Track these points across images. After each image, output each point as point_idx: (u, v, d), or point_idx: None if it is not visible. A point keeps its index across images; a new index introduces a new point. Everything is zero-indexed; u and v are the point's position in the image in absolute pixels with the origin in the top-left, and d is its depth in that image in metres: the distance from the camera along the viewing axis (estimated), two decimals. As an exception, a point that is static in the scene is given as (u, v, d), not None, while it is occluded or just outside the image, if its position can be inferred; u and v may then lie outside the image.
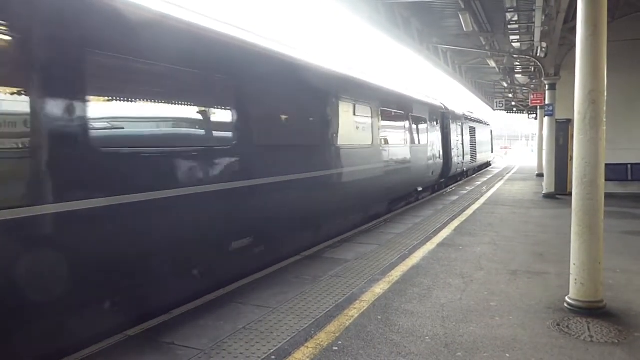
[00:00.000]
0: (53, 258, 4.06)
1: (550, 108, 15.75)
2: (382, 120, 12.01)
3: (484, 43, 18.89)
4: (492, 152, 41.22)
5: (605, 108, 5.08)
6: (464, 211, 12.60)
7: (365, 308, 5.31)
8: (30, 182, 4.05)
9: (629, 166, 15.83)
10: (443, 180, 19.41)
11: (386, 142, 12.37)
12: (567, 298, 5.26)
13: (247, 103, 6.77)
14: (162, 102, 5.55)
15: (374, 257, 7.60)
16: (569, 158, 13.62)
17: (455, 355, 4.17)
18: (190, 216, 5.62)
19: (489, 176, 26.44)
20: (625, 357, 4.11)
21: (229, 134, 6.39)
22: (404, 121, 14.05)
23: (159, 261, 5.23)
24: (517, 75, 27.41)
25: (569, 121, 14.15)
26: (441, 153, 18.30)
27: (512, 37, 18.16)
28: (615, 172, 15.19)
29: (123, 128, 5.07)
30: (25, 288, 3.86)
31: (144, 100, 5.34)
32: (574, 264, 5.17)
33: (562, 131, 15.38)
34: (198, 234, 5.82)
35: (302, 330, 4.70)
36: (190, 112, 5.96)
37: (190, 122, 6.00)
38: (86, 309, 4.59)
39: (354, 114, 10.52)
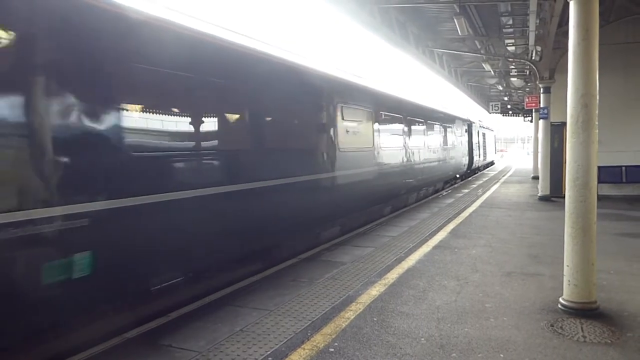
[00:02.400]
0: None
1: (545, 111, 15.86)
2: (447, 131, 20.24)
3: (479, 47, 19.02)
4: (495, 152, 51.68)
5: (597, 111, 5.14)
6: (460, 214, 12.66)
7: (361, 310, 5.36)
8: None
9: (624, 168, 15.91)
10: (468, 171, 27.26)
11: (448, 145, 20.29)
12: (560, 299, 5.32)
13: (410, 129, 14.63)
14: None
15: (370, 260, 7.65)
16: (564, 161, 13.70)
17: (450, 356, 4.22)
18: (392, 179, 13.01)
19: (484, 179, 26.52)
20: (618, 357, 4.17)
21: (401, 145, 13.75)
22: (453, 131, 21.78)
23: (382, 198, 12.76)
24: (512, 79, 27.61)
25: (564, 124, 14.23)
26: (467, 152, 25.95)
27: (507, 41, 18.32)
28: (610, 174, 15.31)
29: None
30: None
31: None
32: (568, 266, 5.22)
33: (557, 134, 15.43)
34: (392, 188, 13.27)
35: (298, 332, 4.74)
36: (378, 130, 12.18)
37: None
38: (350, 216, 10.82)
39: (434, 129, 17.98)
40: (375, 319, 5.08)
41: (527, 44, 16.50)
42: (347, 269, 7.10)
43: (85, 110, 4.32)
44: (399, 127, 13.78)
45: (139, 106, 5.06)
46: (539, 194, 16.06)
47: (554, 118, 15.58)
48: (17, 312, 3.88)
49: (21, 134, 3.85)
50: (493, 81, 29.80)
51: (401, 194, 14.35)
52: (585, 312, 5.10)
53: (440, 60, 21.63)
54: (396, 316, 5.17)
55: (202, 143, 5.99)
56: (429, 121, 16.98)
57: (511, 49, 19.51)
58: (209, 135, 6.14)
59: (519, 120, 50.37)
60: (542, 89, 16.19)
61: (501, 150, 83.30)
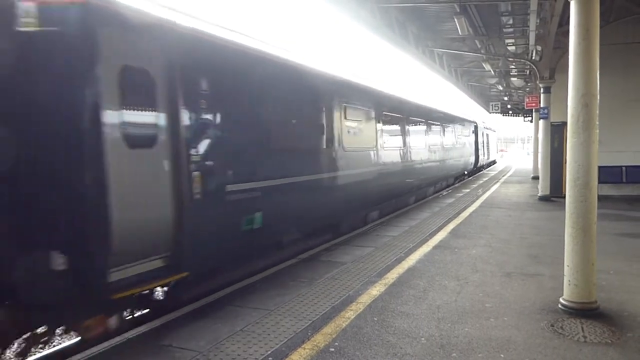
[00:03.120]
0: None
1: (545, 111, 15.85)
2: (459, 133, 23.60)
3: (479, 46, 18.99)
4: (496, 152, 55.89)
5: (597, 111, 5.14)
6: (460, 214, 12.66)
7: (361, 310, 5.36)
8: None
9: (624, 168, 15.91)
10: (474, 169, 30.51)
11: (459, 145, 23.65)
12: (561, 299, 5.32)
13: (430, 131, 17.69)
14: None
15: (371, 260, 7.65)
16: (564, 161, 13.69)
17: (450, 356, 4.22)
18: (415, 174, 15.44)
19: (485, 179, 26.53)
20: (618, 357, 4.17)
21: (423, 145, 16.42)
22: (463, 133, 25.17)
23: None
24: (512, 79, 27.61)
25: (564, 124, 14.22)
26: (474, 152, 29.34)
27: (507, 41, 18.29)
28: (610, 174, 15.28)
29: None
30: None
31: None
32: (568, 266, 5.22)
33: (557, 134, 15.43)
34: (415, 181, 15.51)
35: (299, 332, 4.74)
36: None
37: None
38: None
39: (449, 132, 21.14)
40: (375, 319, 5.08)
41: (528, 44, 16.49)
42: (348, 269, 7.10)
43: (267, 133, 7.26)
44: (422, 129, 16.56)
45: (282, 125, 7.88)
46: (538, 194, 16.06)
47: (554, 118, 15.57)
48: (230, 247, 6.50)
49: (239, 146, 6.57)
50: (493, 81, 29.81)
51: (422, 187, 17.21)
52: (586, 312, 5.10)
53: (440, 60, 21.59)
54: (396, 316, 5.17)
55: (318, 146, 9.03)
56: (444, 124, 20.04)
57: (511, 48, 19.49)
58: (321, 140, 9.14)
59: (519, 120, 50.33)
60: (542, 89, 16.18)
61: (501, 150, 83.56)
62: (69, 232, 4.56)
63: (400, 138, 13.94)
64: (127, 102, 4.85)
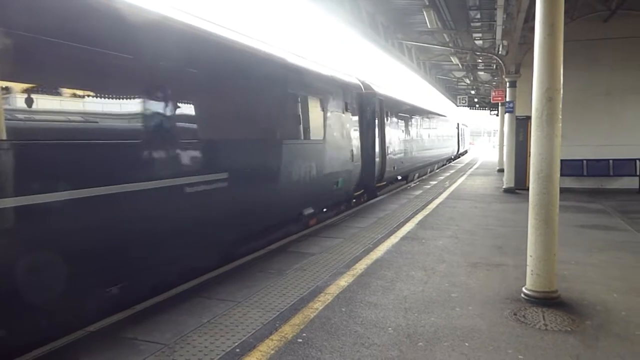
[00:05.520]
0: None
1: (511, 105, 16.15)
2: (449, 128, 34.85)
3: (447, 40, 19.20)
4: (468, 143, 69.34)
5: (561, 105, 5.26)
6: (427, 205, 12.82)
7: (329, 301, 5.37)
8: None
9: (585, 162, 16.37)
10: (456, 155, 41.43)
11: (448, 137, 34.47)
12: (523, 289, 5.45)
13: (435, 128, 28.96)
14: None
15: (339, 251, 7.68)
16: (528, 154, 14.00)
17: (417, 345, 4.27)
18: (428, 155, 25.47)
19: (451, 171, 26.96)
20: (578, 344, 4.30)
21: (434, 137, 27.77)
22: (451, 128, 36.39)
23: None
24: (479, 72, 28.04)
25: (529, 118, 14.49)
26: (457, 142, 40.28)
27: (474, 35, 18.53)
28: (572, 167, 15.73)
29: None
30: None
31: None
32: (531, 256, 5.35)
33: (521, 127, 15.77)
34: (427, 160, 25.20)
35: (266, 323, 4.72)
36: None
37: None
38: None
39: (443, 128, 32.02)
40: (343, 310, 5.10)
41: (495, 39, 16.76)
42: (316, 260, 7.10)
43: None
44: (437, 127, 27.61)
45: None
46: (503, 187, 16.39)
47: (519, 112, 15.89)
48: (390, 176, 16.52)
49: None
50: (461, 74, 30.22)
51: (432, 163, 26.80)
52: (547, 301, 5.24)
53: (410, 53, 21.75)
54: (364, 306, 5.20)
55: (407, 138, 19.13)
56: (446, 124, 31.73)
57: (479, 42, 19.77)
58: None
59: (485, 113, 51.29)
60: (508, 83, 16.48)
61: (470, 143, 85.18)
62: (367, 166, 13.20)
63: (428, 132, 24.07)
64: (378, 121, 13.86)
